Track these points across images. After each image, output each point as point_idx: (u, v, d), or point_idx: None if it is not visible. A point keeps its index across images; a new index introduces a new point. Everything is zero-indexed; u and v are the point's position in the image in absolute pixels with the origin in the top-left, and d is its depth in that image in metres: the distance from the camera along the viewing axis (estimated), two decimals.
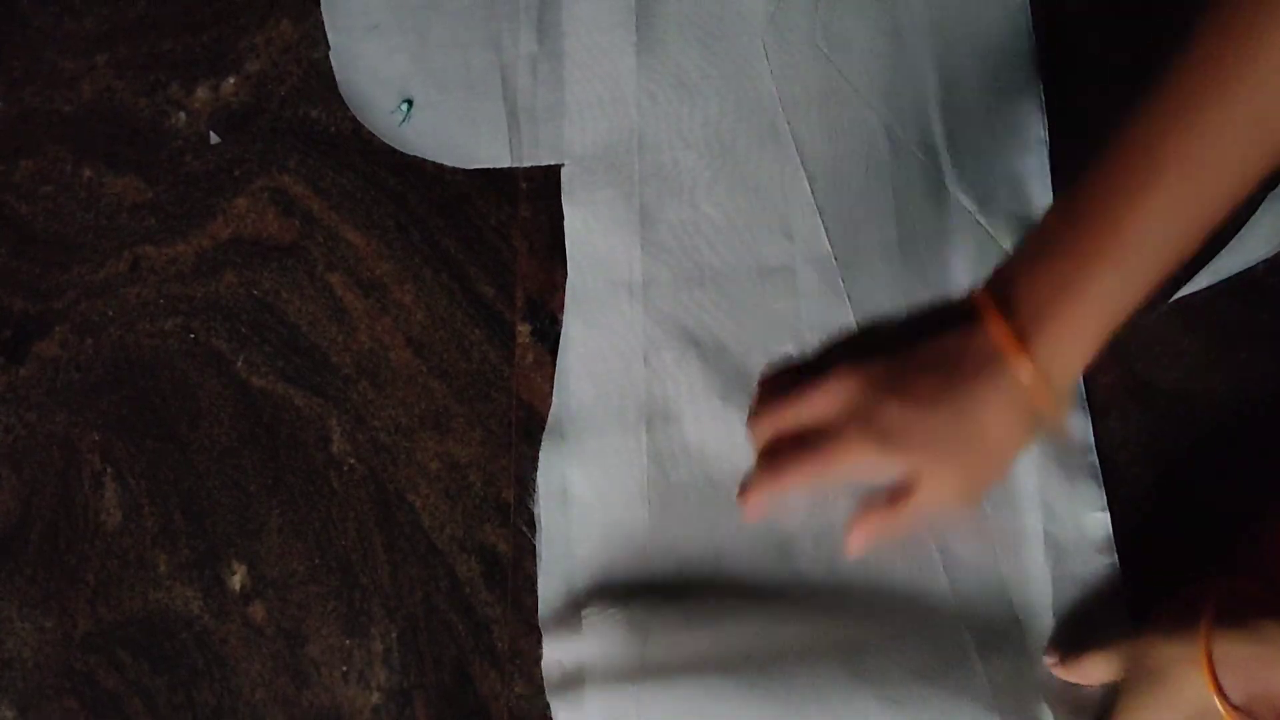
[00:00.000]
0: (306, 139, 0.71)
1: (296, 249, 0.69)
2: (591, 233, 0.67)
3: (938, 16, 0.67)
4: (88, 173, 0.73)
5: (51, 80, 0.74)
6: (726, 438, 0.62)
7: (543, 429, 0.65)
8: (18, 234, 0.72)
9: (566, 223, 0.67)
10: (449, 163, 0.69)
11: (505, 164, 0.68)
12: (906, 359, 0.46)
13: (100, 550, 0.67)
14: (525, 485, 0.64)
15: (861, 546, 0.48)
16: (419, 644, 0.63)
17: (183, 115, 0.72)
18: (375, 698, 0.63)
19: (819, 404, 0.47)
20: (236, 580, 0.65)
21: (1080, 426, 0.60)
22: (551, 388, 0.65)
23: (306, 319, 0.68)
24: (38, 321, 0.71)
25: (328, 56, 0.72)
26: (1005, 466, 0.47)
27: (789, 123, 0.67)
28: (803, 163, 0.66)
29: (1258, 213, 0.61)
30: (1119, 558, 0.58)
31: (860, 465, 0.46)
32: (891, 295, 0.63)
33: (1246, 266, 0.61)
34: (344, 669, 0.63)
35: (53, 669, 0.65)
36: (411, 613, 0.63)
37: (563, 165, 0.68)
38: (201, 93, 0.73)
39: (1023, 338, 0.44)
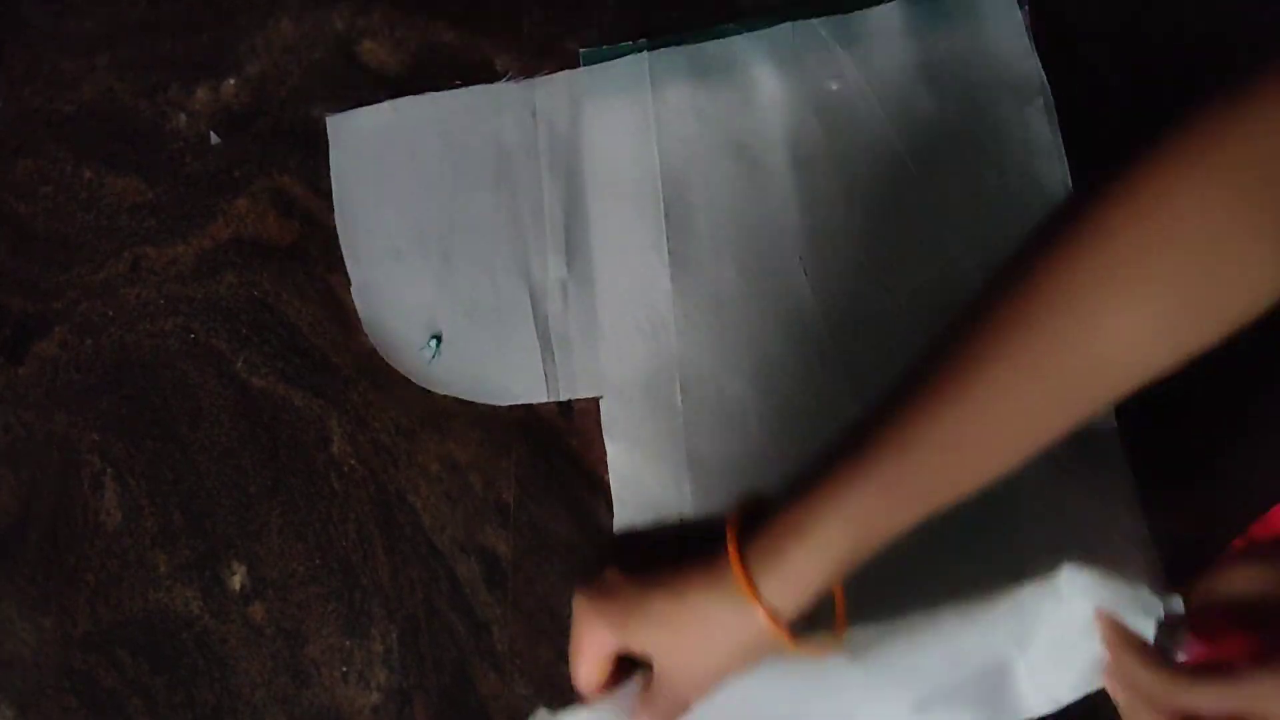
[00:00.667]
0: (307, 140, 0.71)
1: (297, 250, 0.69)
2: (639, 471, 0.64)
3: (982, 222, 0.63)
4: (88, 173, 0.73)
5: (52, 81, 0.75)
6: None
7: (542, 430, 0.65)
8: (18, 234, 0.72)
9: (610, 459, 0.64)
10: (483, 401, 0.66)
11: (541, 399, 0.65)
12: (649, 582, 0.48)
13: (100, 550, 0.67)
14: (524, 487, 0.64)
15: None
16: (419, 644, 0.63)
17: (183, 116, 0.72)
18: (375, 698, 0.63)
19: None
20: (236, 580, 0.65)
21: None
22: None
23: (306, 319, 0.68)
24: (37, 321, 0.71)
25: (328, 57, 0.72)
26: (728, 674, 0.49)
27: (832, 340, 0.63)
28: (851, 385, 0.63)
29: None
30: None
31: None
32: None
33: None
34: (344, 669, 0.63)
35: (53, 668, 0.65)
36: (411, 613, 0.64)
37: (601, 399, 0.65)
38: (202, 94, 0.73)
39: (750, 573, 0.46)
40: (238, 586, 0.65)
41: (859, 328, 0.63)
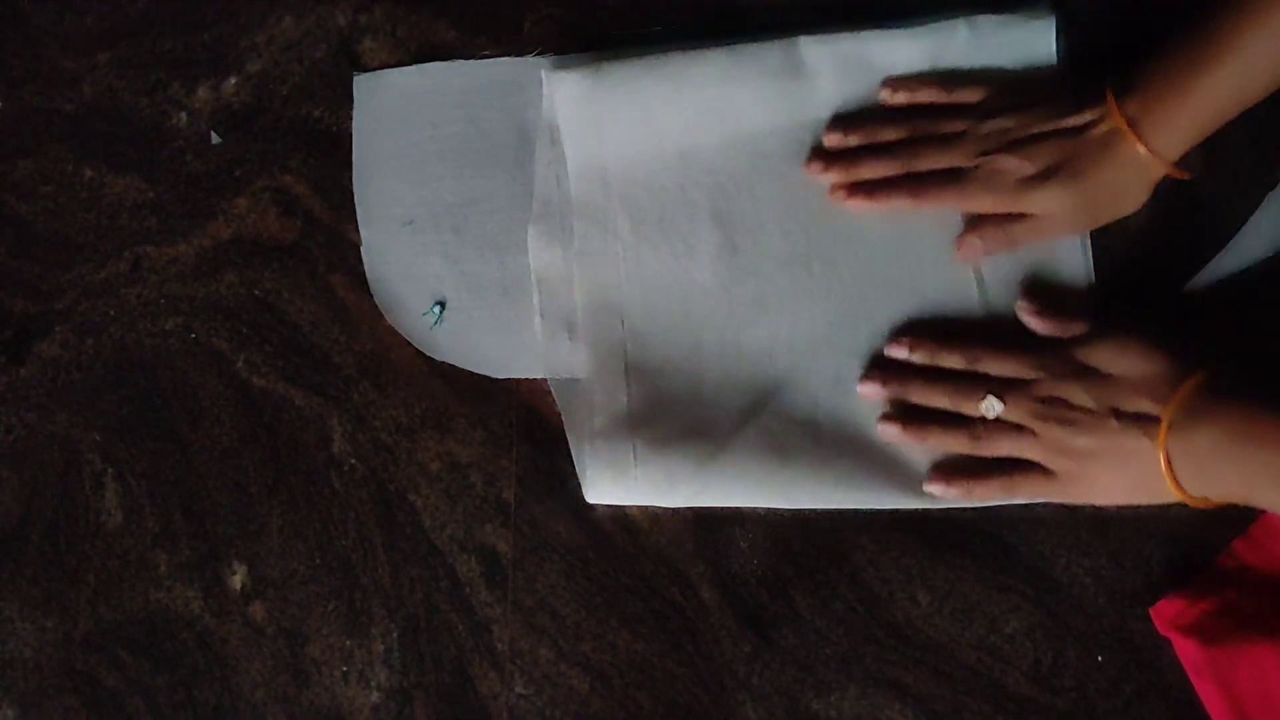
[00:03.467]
0: (308, 139, 0.71)
1: (298, 249, 0.69)
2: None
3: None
4: (89, 172, 0.73)
5: (52, 79, 0.74)
6: None
7: (543, 429, 0.65)
8: (18, 234, 0.72)
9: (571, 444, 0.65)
10: (480, 371, 0.67)
11: (538, 375, 0.66)
12: (1036, 124, 0.60)
13: (101, 550, 0.67)
14: (525, 485, 0.65)
15: (974, 254, 0.62)
16: (419, 644, 0.63)
17: (184, 115, 0.72)
18: (375, 697, 0.63)
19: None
20: (237, 580, 0.65)
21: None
22: (554, 396, 0.65)
23: (307, 319, 0.68)
24: (39, 321, 0.71)
25: (329, 56, 0.72)
26: (1118, 213, 0.61)
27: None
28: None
29: (1257, 213, 0.61)
30: None
31: (979, 205, 0.62)
32: None
33: (1245, 266, 0.61)
34: (344, 669, 0.63)
35: (54, 668, 0.66)
36: (412, 613, 0.64)
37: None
38: (203, 92, 0.72)
39: (1134, 123, 0.57)
40: (238, 586, 0.65)
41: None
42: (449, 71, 0.71)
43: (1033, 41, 0.63)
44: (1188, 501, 0.54)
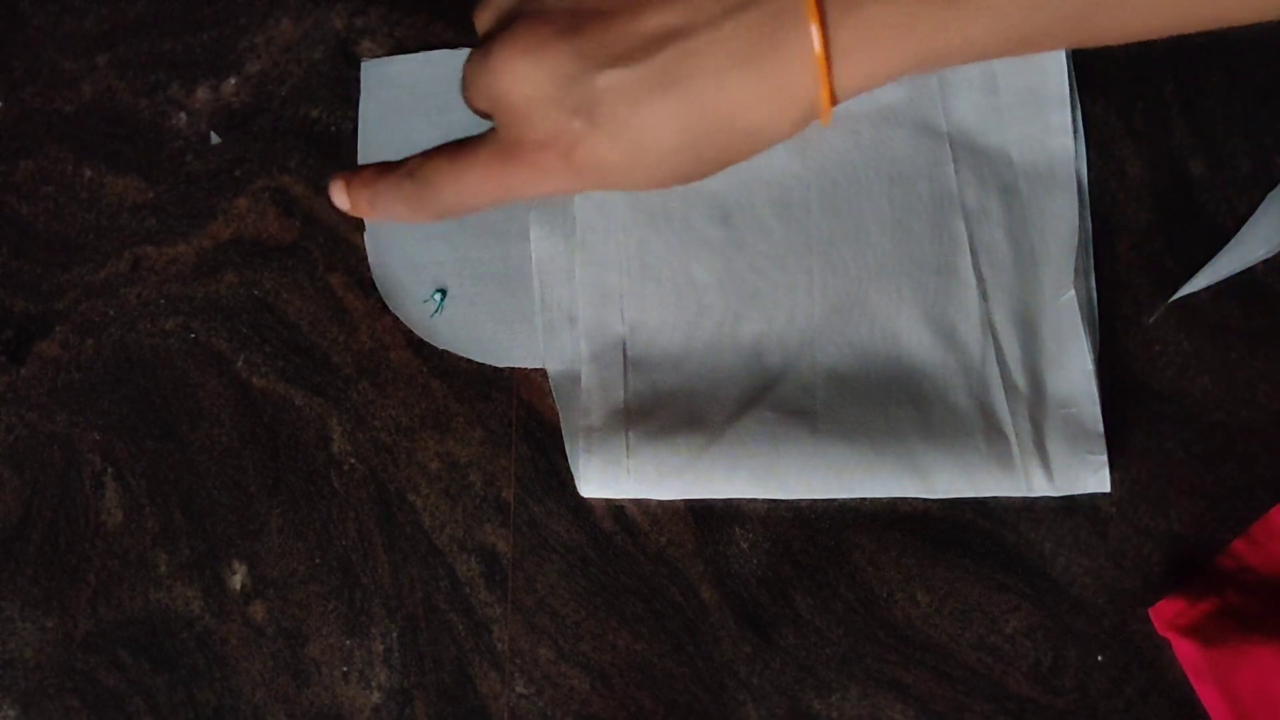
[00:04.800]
0: (308, 139, 0.71)
1: (297, 249, 0.70)
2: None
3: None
4: (88, 173, 0.73)
5: (52, 80, 0.74)
6: None
7: (543, 429, 0.65)
8: (18, 234, 0.72)
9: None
10: (480, 359, 0.67)
11: (537, 365, 0.66)
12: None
13: (101, 550, 0.67)
14: (524, 485, 0.65)
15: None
16: (419, 644, 0.63)
17: (183, 115, 0.72)
18: (375, 697, 0.63)
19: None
20: (237, 580, 0.65)
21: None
22: (551, 388, 0.65)
23: (307, 319, 0.68)
24: (38, 322, 0.71)
25: (328, 57, 0.72)
26: (748, 149, 0.37)
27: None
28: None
29: (1257, 213, 0.61)
30: None
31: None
32: None
33: (1245, 267, 0.61)
34: (344, 669, 0.64)
35: (54, 668, 0.66)
36: (411, 613, 0.64)
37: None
38: (202, 93, 0.73)
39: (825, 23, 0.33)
40: (238, 586, 0.65)
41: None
42: (456, 59, 0.71)
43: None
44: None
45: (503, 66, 0.36)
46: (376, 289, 0.68)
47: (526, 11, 0.35)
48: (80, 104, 0.74)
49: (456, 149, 0.40)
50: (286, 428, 0.67)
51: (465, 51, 0.70)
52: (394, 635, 0.64)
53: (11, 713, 0.65)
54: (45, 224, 0.72)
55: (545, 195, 0.39)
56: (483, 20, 0.38)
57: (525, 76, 0.35)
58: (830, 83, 0.34)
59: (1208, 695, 0.57)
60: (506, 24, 0.36)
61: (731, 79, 0.34)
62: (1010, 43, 0.34)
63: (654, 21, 0.34)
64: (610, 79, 0.34)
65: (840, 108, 0.37)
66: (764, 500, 0.63)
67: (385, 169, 0.44)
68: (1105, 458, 0.59)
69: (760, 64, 0.34)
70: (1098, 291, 0.62)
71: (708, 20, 0.33)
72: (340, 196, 0.47)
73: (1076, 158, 0.64)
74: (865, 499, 0.62)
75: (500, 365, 0.66)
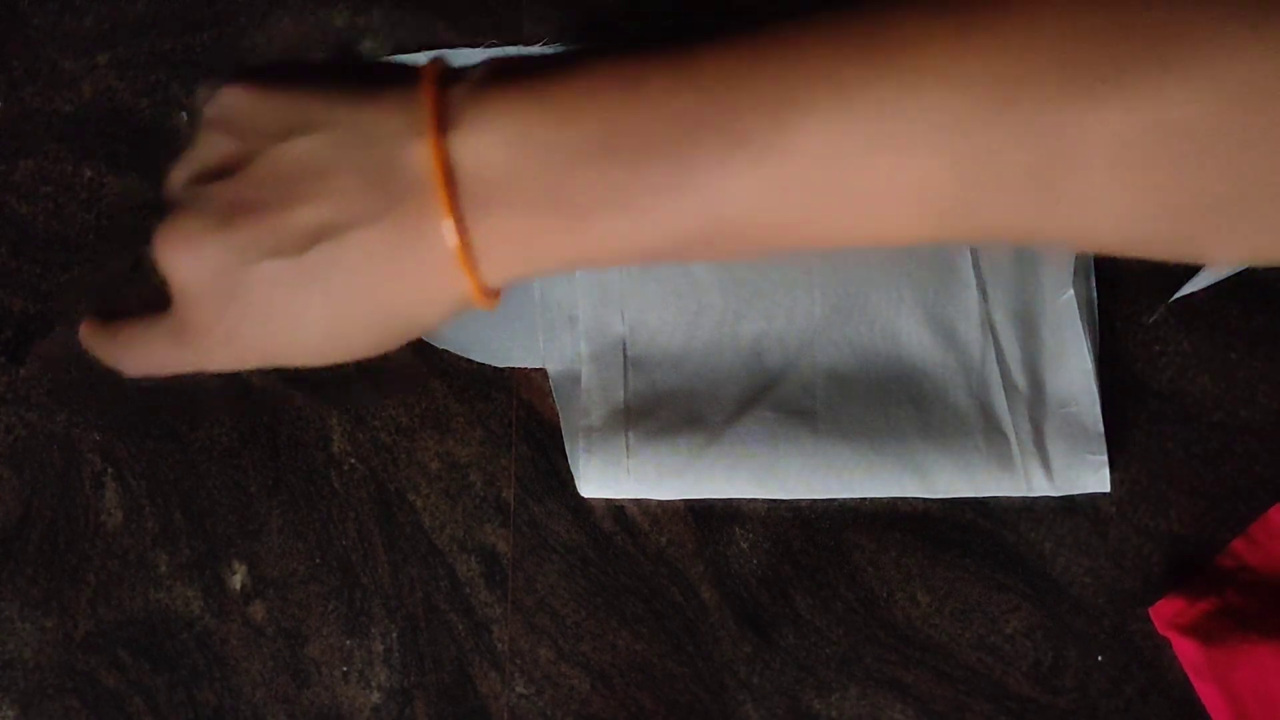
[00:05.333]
0: None
1: None
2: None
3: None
4: (88, 173, 0.73)
5: (51, 80, 0.74)
6: None
7: (543, 429, 0.65)
8: (18, 234, 0.72)
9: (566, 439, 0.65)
10: (480, 360, 0.66)
11: (537, 365, 0.66)
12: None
13: (101, 550, 0.67)
14: (524, 485, 0.65)
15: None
16: (419, 644, 0.63)
17: (184, 115, 0.72)
18: (375, 697, 0.63)
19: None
20: (237, 580, 0.65)
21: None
22: (551, 388, 0.65)
23: None
24: (38, 321, 0.71)
25: (328, 57, 0.72)
26: (411, 333, 0.39)
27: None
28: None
29: None
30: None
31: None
32: None
33: (1245, 267, 0.61)
34: (344, 669, 0.63)
35: (54, 669, 0.66)
36: (411, 612, 0.64)
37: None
38: (203, 92, 0.72)
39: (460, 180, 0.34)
40: (238, 586, 0.65)
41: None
42: (456, 60, 0.70)
43: None
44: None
45: (166, 254, 0.37)
46: None
47: (188, 201, 0.37)
48: (80, 103, 0.74)
49: (149, 321, 0.41)
50: (286, 427, 0.67)
51: (465, 52, 0.70)
52: (394, 635, 0.64)
53: (11, 713, 0.65)
54: (45, 224, 0.72)
55: (226, 370, 0.40)
56: (166, 193, 0.40)
57: (185, 265, 0.37)
58: (475, 277, 0.35)
59: (1208, 694, 0.57)
60: (174, 207, 0.38)
61: (382, 272, 0.35)
62: (659, 253, 0.35)
63: (306, 217, 0.34)
64: (264, 271, 0.35)
65: None
66: (764, 500, 0.63)
67: (107, 326, 0.45)
68: (1105, 457, 0.59)
69: (408, 258, 0.35)
70: (1098, 291, 0.62)
71: (357, 217, 0.34)
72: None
73: None
74: (865, 499, 0.62)
75: (500, 365, 0.66)
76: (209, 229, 0.36)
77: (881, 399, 0.62)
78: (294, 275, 0.35)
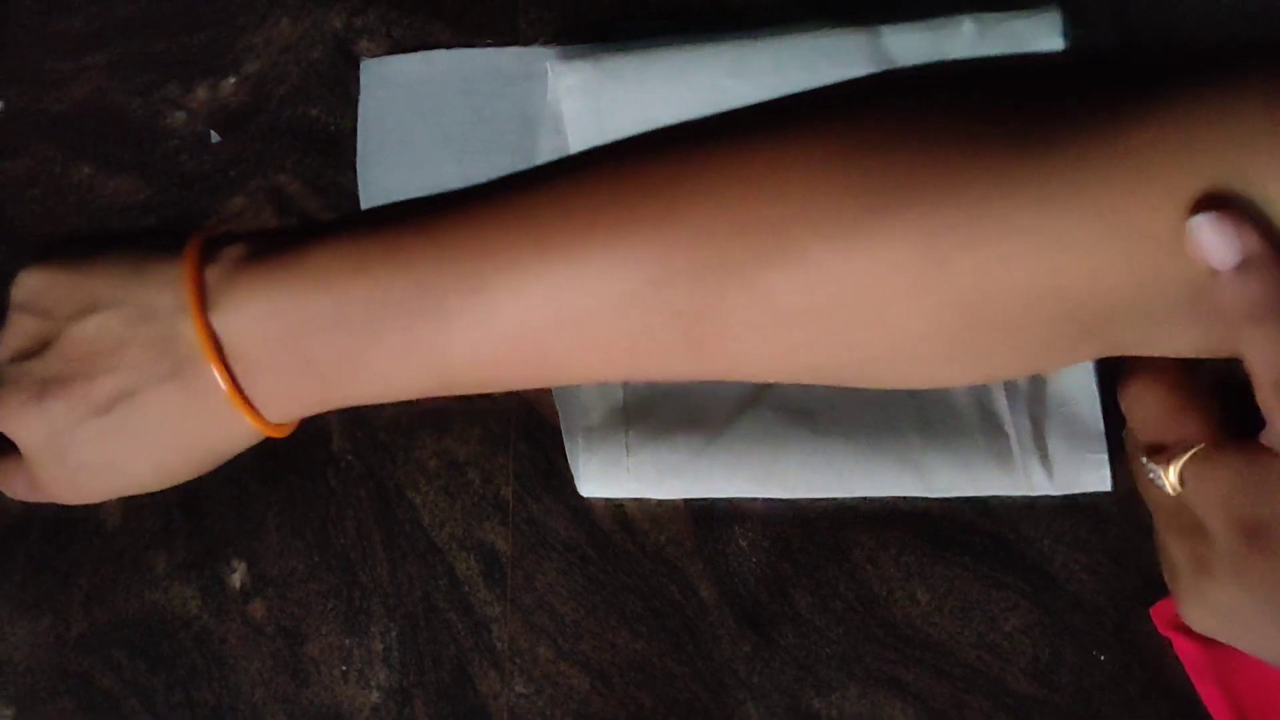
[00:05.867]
0: (304, 139, 0.71)
1: None
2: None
3: None
4: (82, 173, 0.72)
5: (41, 80, 0.74)
6: None
7: (542, 427, 0.65)
8: (12, 238, 0.72)
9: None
10: None
11: None
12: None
13: (100, 550, 0.66)
14: (523, 483, 0.64)
15: None
16: (419, 643, 0.63)
17: (180, 115, 0.72)
18: (375, 696, 0.63)
19: None
20: (236, 579, 0.65)
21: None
22: (551, 388, 0.65)
23: None
24: None
25: (326, 56, 0.72)
26: (220, 460, 0.47)
27: None
28: None
29: None
30: None
31: None
32: None
33: None
34: (344, 668, 0.63)
35: (50, 670, 0.65)
36: (411, 611, 0.63)
37: None
38: (201, 92, 0.72)
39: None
40: (237, 585, 0.65)
41: None
42: (454, 59, 0.71)
43: (1038, 35, 0.63)
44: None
45: (3, 424, 0.43)
46: None
47: (10, 379, 0.42)
48: (71, 104, 0.74)
49: (11, 467, 0.46)
50: None
51: (464, 52, 0.70)
52: (393, 634, 0.63)
53: (7, 713, 0.65)
54: (34, 227, 0.72)
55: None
56: None
57: (19, 435, 0.42)
58: (260, 421, 0.43)
59: (1209, 694, 0.57)
60: (1, 384, 0.43)
61: (179, 420, 0.42)
62: (409, 395, 0.43)
63: (108, 385, 0.41)
64: (84, 432, 0.41)
65: None
66: (764, 499, 0.63)
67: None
68: (1106, 456, 0.59)
69: (199, 409, 0.42)
70: None
71: (149, 380, 0.41)
72: None
73: None
74: (865, 498, 0.62)
75: None
76: (30, 402, 0.41)
77: (881, 398, 0.62)
78: (107, 432, 0.42)
